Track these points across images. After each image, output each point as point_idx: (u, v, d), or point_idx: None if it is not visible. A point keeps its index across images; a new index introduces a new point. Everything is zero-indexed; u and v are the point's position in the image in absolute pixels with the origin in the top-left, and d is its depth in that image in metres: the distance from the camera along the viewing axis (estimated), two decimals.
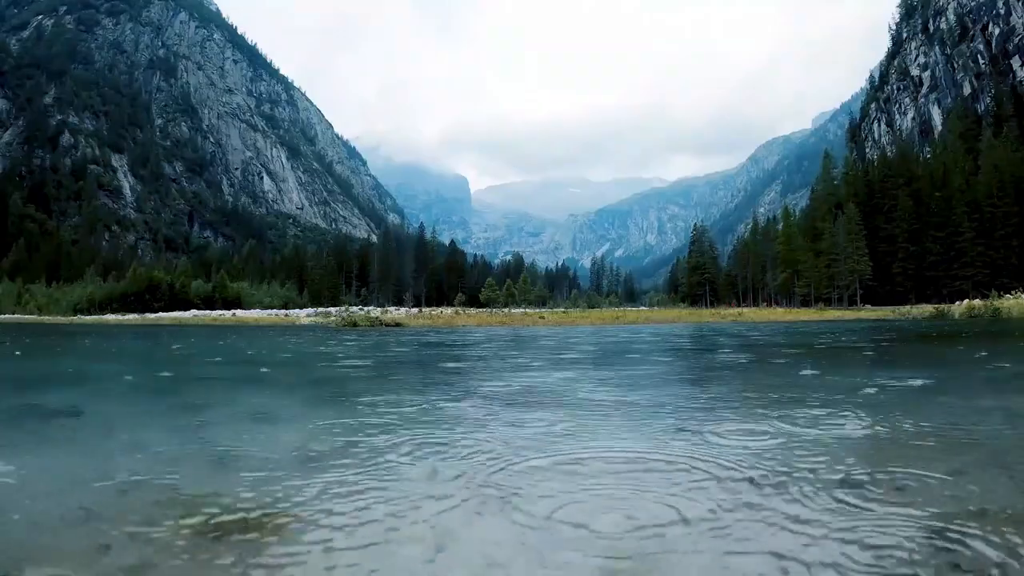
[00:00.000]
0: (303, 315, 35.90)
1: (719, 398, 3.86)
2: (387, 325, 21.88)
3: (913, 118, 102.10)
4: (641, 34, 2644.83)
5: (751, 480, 1.86)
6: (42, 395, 4.53)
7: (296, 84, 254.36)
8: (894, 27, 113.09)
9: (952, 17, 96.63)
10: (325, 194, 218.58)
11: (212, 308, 50.93)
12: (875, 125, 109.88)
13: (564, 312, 41.50)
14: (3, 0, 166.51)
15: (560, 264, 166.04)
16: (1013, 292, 28.48)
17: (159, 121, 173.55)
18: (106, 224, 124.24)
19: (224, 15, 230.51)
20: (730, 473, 1.95)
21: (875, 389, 3.96)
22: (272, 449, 2.40)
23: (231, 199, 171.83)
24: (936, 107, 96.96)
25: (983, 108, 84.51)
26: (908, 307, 36.79)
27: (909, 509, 1.55)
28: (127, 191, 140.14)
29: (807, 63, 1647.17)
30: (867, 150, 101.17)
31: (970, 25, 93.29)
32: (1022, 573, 1.19)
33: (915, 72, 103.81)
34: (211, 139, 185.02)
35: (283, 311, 45.45)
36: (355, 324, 22.59)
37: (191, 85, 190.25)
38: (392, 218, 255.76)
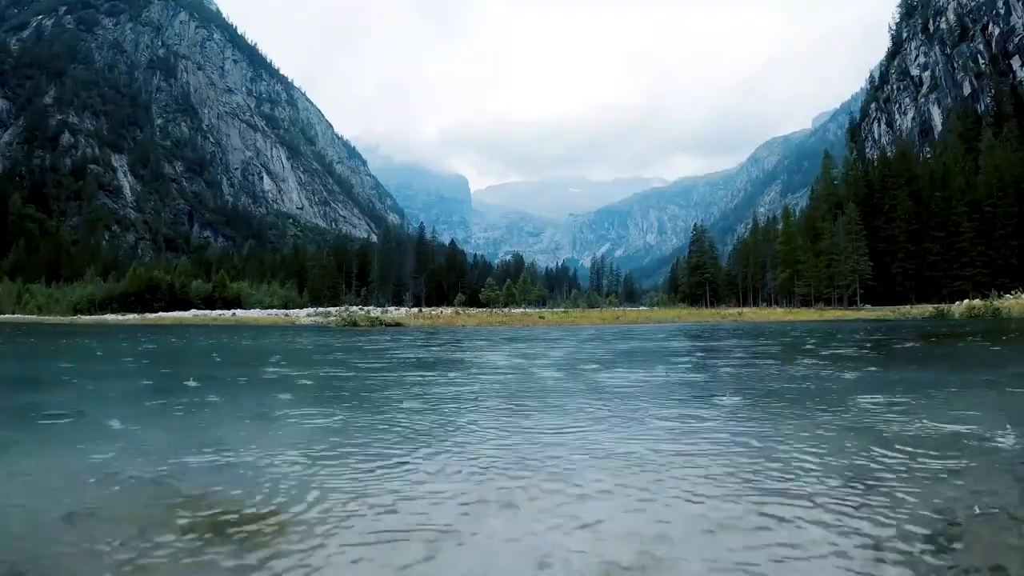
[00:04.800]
0: (303, 315, 35.87)
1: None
2: (387, 325, 21.88)
3: (913, 118, 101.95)
4: (641, 34, 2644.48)
5: (756, 484, 1.92)
6: (42, 395, 4.54)
7: (296, 84, 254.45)
8: (894, 27, 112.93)
9: (952, 17, 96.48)
10: (325, 194, 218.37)
11: (212, 308, 50.88)
12: (875, 125, 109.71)
13: (564, 312, 41.47)
14: (3, 0, 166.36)
15: (560, 264, 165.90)
16: (1013, 292, 28.48)
17: (159, 121, 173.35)
18: (106, 224, 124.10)
19: (224, 15, 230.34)
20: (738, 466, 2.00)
21: (874, 387, 3.96)
22: (272, 449, 2.40)
23: (231, 199, 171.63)
24: (936, 107, 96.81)
25: (983, 108, 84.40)
26: (908, 307, 36.76)
27: (910, 508, 1.55)
28: (127, 191, 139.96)
29: (807, 63, 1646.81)
30: (867, 150, 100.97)
31: (970, 25, 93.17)
32: (1022, 573, 1.18)
33: (915, 72, 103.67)
34: (211, 139, 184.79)
35: (283, 311, 45.41)
36: (355, 324, 22.60)
37: (191, 85, 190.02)
38: (392, 218, 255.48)
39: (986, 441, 2.43)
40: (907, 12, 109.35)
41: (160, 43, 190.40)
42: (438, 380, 5.27)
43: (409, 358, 7.91)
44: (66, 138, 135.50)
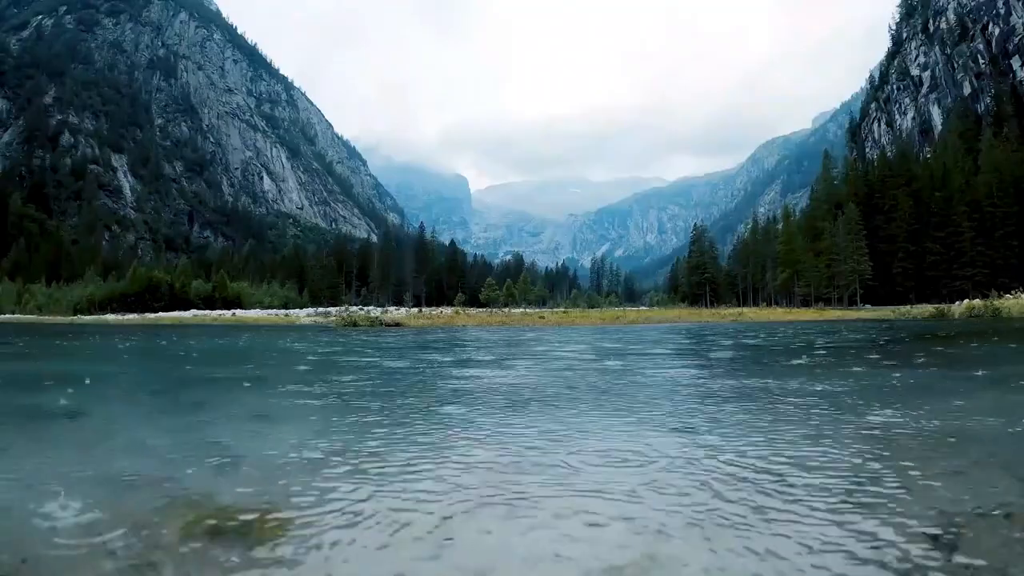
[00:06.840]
0: (303, 315, 35.89)
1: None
2: (387, 325, 21.87)
3: (913, 118, 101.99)
4: (641, 34, 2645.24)
5: (770, 485, 1.93)
6: (43, 395, 4.54)
7: (296, 84, 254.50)
8: (894, 27, 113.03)
9: (952, 17, 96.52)
10: (325, 194, 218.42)
11: (212, 308, 50.88)
12: (875, 125, 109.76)
13: (564, 312, 41.46)
14: (3, 0, 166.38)
15: (560, 264, 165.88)
16: (1013, 292, 28.45)
17: (159, 121, 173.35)
18: (106, 224, 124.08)
19: (224, 15, 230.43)
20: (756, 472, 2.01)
21: (876, 386, 3.96)
22: (272, 449, 2.40)
23: (231, 199, 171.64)
24: (936, 107, 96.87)
25: (983, 108, 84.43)
26: (908, 307, 36.75)
27: (910, 508, 1.55)
28: (127, 191, 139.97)
29: (807, 63, 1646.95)
30: (867, 150, 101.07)
31: (970, 25, 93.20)
32: (1022, 573, 1.18)
33: (915, 72, 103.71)
34: (211, 139, 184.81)
35: (283, 311, 45.45)
36: (355, 324, 22.59)
37: (191, 85, 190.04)
38: (392, 218, 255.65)
39: (986, 441, 2.42)
40: (907, 12, 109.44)
41: (160, 43, 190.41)
42: (438, 380, 5.27)
43: (408, 358, 7.90)
44: (66, 138, 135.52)
